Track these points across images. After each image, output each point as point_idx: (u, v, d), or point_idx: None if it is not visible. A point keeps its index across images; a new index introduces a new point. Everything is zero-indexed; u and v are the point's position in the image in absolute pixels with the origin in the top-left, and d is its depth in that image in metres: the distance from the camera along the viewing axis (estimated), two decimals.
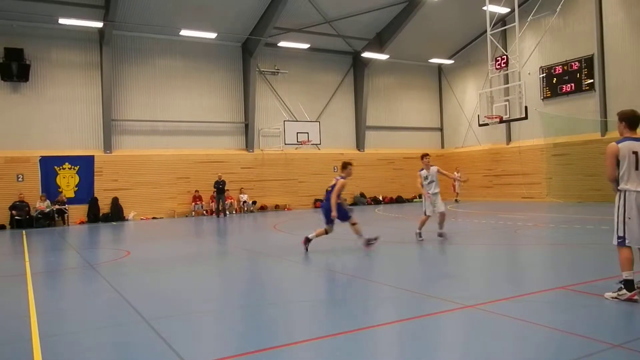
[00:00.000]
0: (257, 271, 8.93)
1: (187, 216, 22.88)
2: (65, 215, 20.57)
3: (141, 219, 21.95)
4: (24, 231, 18.19)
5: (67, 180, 21.10)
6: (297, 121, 25.15)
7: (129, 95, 22.55)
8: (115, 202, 21.61)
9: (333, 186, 9.86)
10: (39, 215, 19.81)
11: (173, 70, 23.55)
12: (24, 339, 4.86)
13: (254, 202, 24.48)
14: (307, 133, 24.46)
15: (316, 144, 25.26)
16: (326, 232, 9.96)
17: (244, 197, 24.17)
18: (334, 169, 27.04)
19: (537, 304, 5.60)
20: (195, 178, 23.31)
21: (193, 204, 23.08)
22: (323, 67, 27.20)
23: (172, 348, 4.41)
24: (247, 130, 24.96)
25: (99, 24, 20.44)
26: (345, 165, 10.05)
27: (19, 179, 20.25)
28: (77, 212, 21.17)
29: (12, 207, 19.60)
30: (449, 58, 29.47)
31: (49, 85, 21.00)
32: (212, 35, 22.34)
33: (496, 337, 4.59)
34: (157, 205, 22.62)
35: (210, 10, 21.93)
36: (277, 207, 25.09)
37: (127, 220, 21.60)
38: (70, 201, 20.93)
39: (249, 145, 25.00)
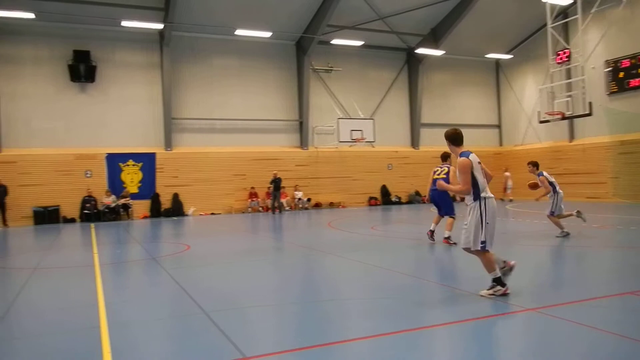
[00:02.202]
0: (313, 267, 9.04)
1: (243, 212, 23.37)
2: (130, 209, 21.50)
3: (200, 214, 22.63)
4: (92, 224, 19.17)
5: (131, 177, 22.05)
6: (351, 119, 25.14)
7: (188, 94, 23.25)
8: (175, 197, 22.39)
9: (447, 174, 10.15)
10: (106, 210, 20.82)
11: (229, 69, 24.08)
12: (93, 326, 5.14)
13: (309, 200, 24.69)
14: (361, 130, 24.40)
15: (370, 142, 25.17)
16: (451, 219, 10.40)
17: (299, 194, 24.43)
18: (389, 166, 26.89)
19: (603, 310, 5.37)
20: (251, 175, 23.77)
21: (249, 200, 23.55)
22: (377, 64, 27.05)
23: (231, 340, 4.55)
24: (302, 128, 25.20)
25: (159, 26, 21.18)
26: (449, 156, 10.35)
27: (88, 175, 21.34)
28: (141, 207, 22.07)
29: (83, 202, 20.72)
30: (507, 53, 28.59)
31: (113, 85, 21.98)
32: (267, 34, 22.67)
33: (558, 343, 4.44)
34: (215, 201, 23.23)
35: (264, 10, 22.28)
36: (331, 204, 25.20)
37: (186, 215, 22.32)
38: (134, 196, 21.85)
39: (303, 142, 25.24)
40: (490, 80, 30.30)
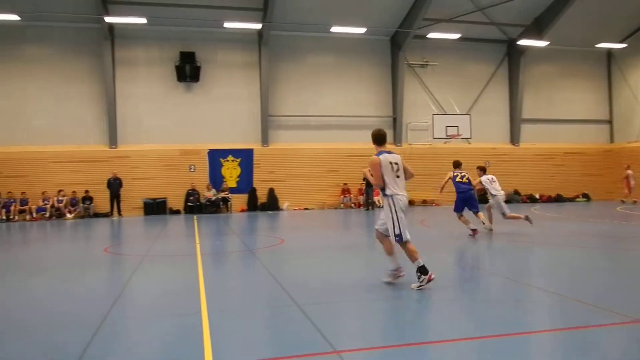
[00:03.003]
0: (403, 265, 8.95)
1: (336, 208, 23.63)
2: (229, 203, 22.56)
3: (294, 209, 23.21)
4: (194, 216, 20.37)
5: (231, 172, 23.13)
6: (446, 114, 24.52)
7: (284, 92, 23.89)
8: (271, 192, 23.15)
9: (468, 178, 11.89)
10: (207, 203, 22.03)
11: (324, 66, 24.42)
12: (195, 312, 5.47)
13: None
14: (457, 127, 23.71)
15: (466, 138, 24.39)
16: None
17: None
18: (486, 164, 25.86)
19: None
20: (344, 171, 23.95)
21: (342, 196, 23.78)
22: (474, 57, 26.10)
23: (322, 334, 4.64)
24: (395, 124, 24.97)
25: (258, 26, 21.96)
26: (461, 163, 12.43)
27: (191, 170, 22.69)
28: (239, 200, 23.06)
29: (187, 195, 22.07)
30: (621, 42, 26.35)
31: (215, 84, 23.12)
32: (362, 30, 22.69)
33: None
34: (308, 197, 23.70)
35: (359, 6, 22.34)
36: (424, 202, 24.76)
37: (281, 210, 22.99)
38: (233, 190, 22.89)
39: (396, 139, 25.00)
40: (601, 72, 28.12)
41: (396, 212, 6.32)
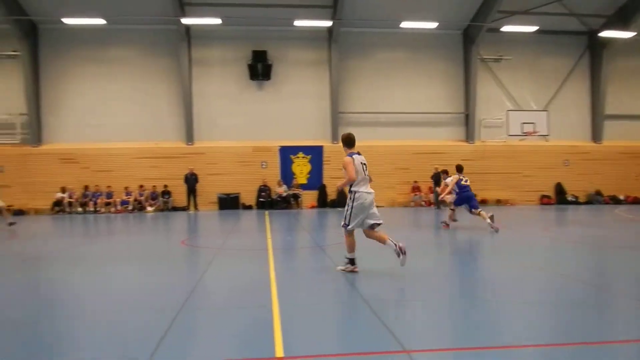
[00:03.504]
0: (474, 266, 8.78)
1: (406, 206, 23.40)
2: (299, 199, 22.93)
3: None
4: (266, 212, 20.90)
5: (301, 168, 23.50)
6: (522, 110, 23.65)
7: (353, 89, 23.93)
8: (341, 189, 23.26)
9: (467, 183, 13.22)
10: (278, 199, 22.51)
11: (394, 63, 24.21)
12: (266, 304, 5.66)
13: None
14: (534, 123, 22.81)
15: (544, 135, 23.38)
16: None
17: None
18: (565, 162, 24.72)
19: None
20: (415, 169, 23.65)
21: (412, 194, 23.50)
22: (552, 50, 24.90)
23: (391, 332, 4.66)
24: (468, 120, 24.36)
25: (328, 23, 22.12)
26: (463, 167, 13.61)
27: (263, 166, 23.26)
28: (309, 197, 23.37)
29: (259, 191, 22.65)
30: None
31: (286, 82, 23.54)
32: (433, 24, 22.26)
33: None
34: (378, 194, 23.01)
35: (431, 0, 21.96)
36: (498, 201, 24.00)
37: None
38: (303, 187, 23.25)
39: (469, 136, 24.39)
40: None
41: (353, 207, 7.23)
